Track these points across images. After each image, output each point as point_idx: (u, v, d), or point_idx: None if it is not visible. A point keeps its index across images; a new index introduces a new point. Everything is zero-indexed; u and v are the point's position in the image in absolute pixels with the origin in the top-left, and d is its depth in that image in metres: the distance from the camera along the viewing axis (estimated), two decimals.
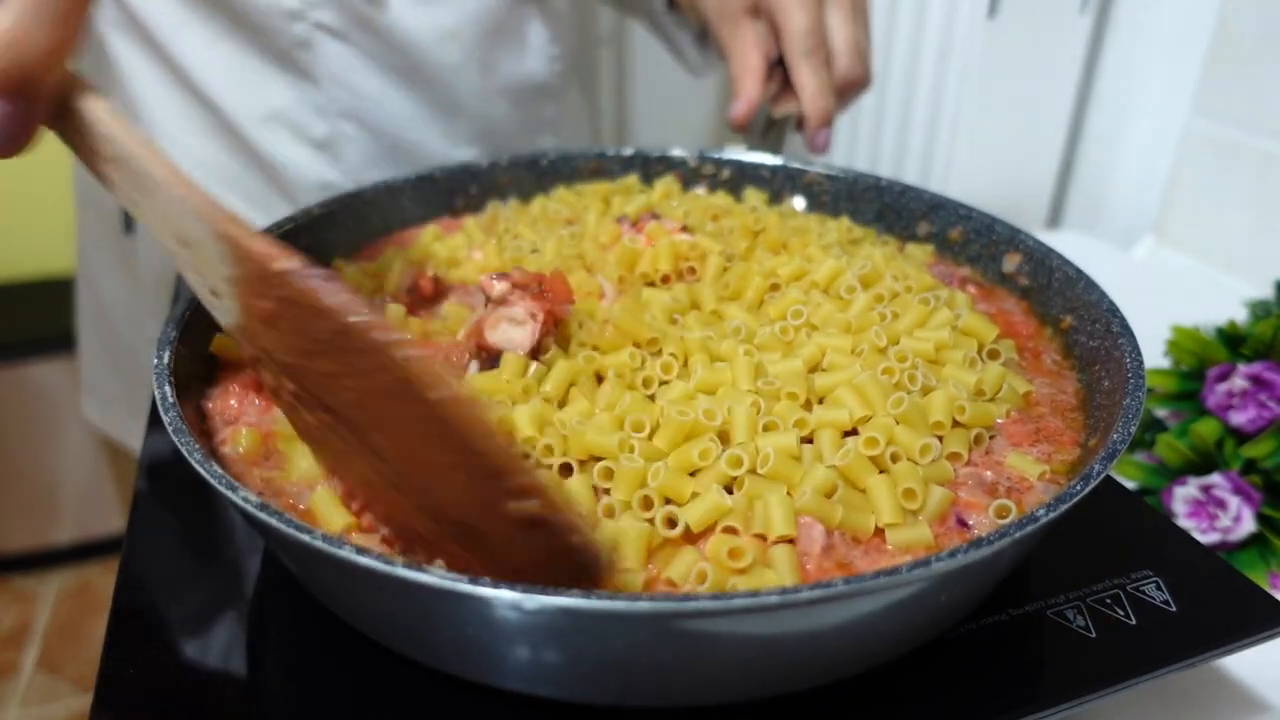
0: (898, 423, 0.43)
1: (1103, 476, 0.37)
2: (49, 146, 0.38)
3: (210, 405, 0.47)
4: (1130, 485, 0.66)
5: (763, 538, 0.39)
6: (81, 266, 1.05)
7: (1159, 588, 0.46)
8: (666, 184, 0.73)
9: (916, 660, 0.42)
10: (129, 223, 0.94)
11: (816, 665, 0.37)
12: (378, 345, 0.34)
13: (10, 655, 1.72)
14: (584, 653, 0.34)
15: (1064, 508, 0.35)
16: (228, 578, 0.48)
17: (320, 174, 0.87)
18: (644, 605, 0.30)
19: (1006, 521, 0.39)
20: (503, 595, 0.30)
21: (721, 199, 0.70)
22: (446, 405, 0.33)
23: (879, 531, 0.40)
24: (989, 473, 0.44)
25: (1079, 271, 0.54)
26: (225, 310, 0.40)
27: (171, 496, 0.54)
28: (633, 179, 0.74)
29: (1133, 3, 1.12)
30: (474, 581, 0.31)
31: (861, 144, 1.41)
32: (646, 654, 0.34)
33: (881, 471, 0.42)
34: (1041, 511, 0.35)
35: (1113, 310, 0.49)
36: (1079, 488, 0.36)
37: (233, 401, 0.47)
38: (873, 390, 0.44)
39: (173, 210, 0.38)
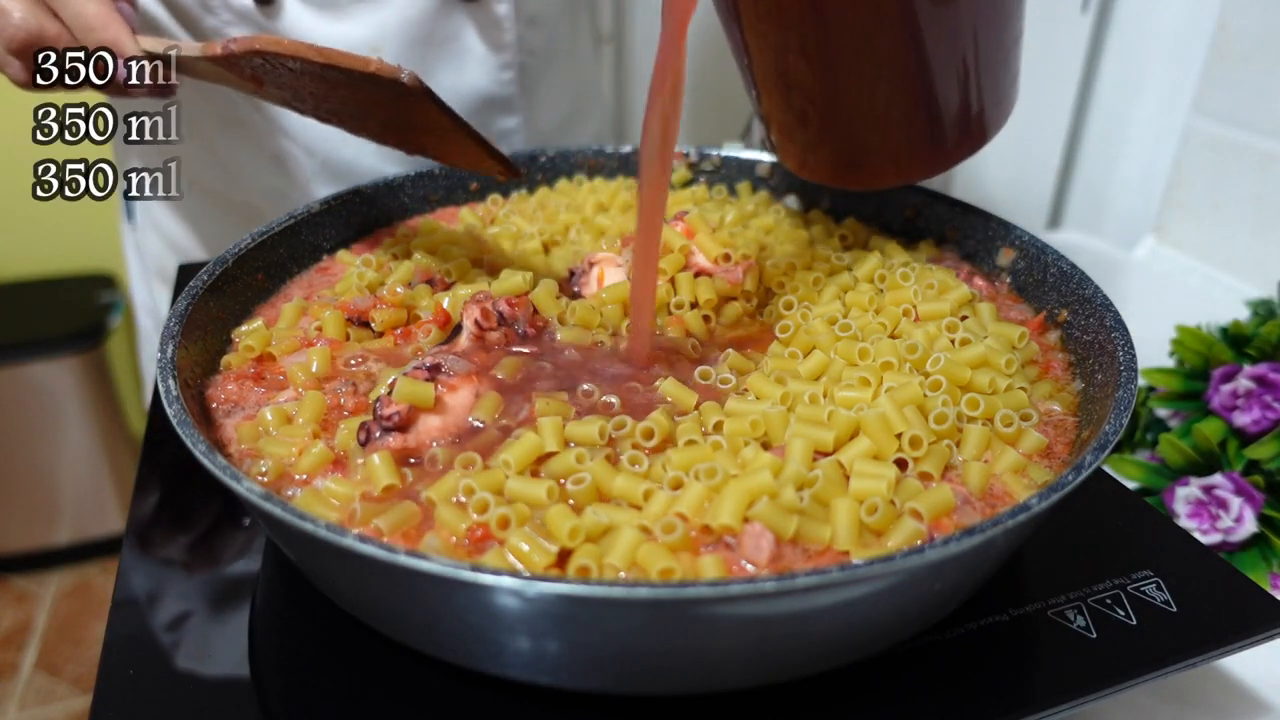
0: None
1: (1095, 467, 0.37)
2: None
3: (210, 393, 0.47)
4: (1131, 485, 0.66)
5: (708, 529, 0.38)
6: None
7: (1159, 588, 0.46)
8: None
9: (918, 659, 0.42)
10: (129, 211, 0.93)
11: (812, 652, 0.37)
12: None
13: (9, 656, 1.72)
14: (582, 640, 0.34)
15: (1056, 497, 0.35)
16: (227, 577, 0.48)
17: (272, 183, 0.85)
18: (642, 592, 0.30)
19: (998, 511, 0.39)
20: (503, 582, 0.30)
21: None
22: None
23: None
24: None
25: (1073, 266, 0.54)
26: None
27: (172, 495, 0.54)
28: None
29: (1133, 3, 1.11)
30: (475, 569, 0.31)
31: None
32: (643, 641, 0.34)
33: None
34: (1034, 500, 0.35)
35: (1106, 305, 0.50)
36: (1071, 478, 0.36)
37: (231, 386, 0.47)
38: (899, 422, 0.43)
39: None
